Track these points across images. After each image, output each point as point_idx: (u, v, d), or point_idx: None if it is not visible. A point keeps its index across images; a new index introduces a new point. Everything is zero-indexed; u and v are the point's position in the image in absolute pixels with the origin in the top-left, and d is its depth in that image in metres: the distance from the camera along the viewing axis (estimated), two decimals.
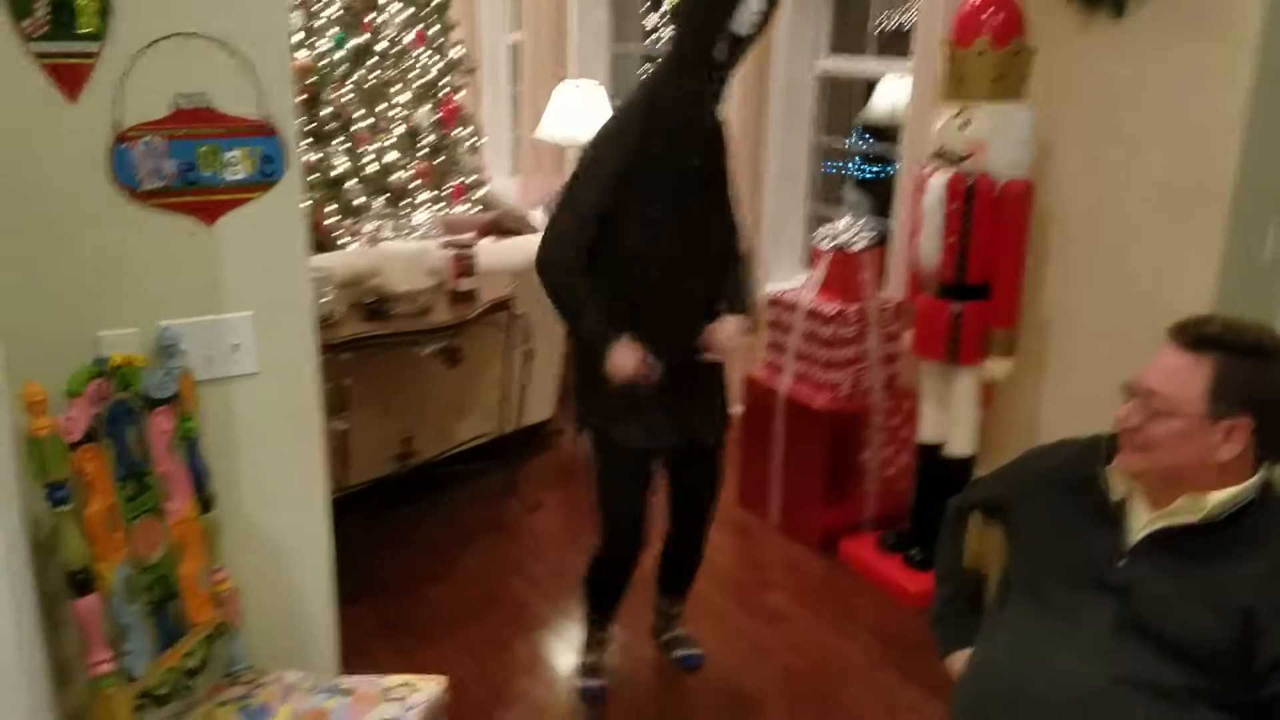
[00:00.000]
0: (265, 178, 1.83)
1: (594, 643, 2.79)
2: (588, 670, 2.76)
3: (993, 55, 2.80)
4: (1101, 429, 1.72)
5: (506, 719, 2.62)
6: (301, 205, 1.88)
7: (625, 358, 2.31)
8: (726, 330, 2.42)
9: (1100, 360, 3.15)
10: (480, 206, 5.83)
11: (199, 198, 1.79)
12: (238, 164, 1.80)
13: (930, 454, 3.23)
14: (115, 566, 1.64)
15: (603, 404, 2.44)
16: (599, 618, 2.75)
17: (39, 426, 1.51)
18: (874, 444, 3.45)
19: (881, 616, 3.08)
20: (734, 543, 3.53)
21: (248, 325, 1.87)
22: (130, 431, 1.72)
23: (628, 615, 2.90)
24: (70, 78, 1.67)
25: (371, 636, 2.89)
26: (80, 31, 1.65)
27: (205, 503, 1.85)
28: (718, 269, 2.46)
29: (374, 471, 3.48)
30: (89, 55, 1.67)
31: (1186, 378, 1.43)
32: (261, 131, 1.81)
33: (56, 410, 1.56)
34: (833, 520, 3.44)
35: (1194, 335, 1.44)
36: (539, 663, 2.85)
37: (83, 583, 1.59)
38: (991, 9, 2.81)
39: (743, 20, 2.19)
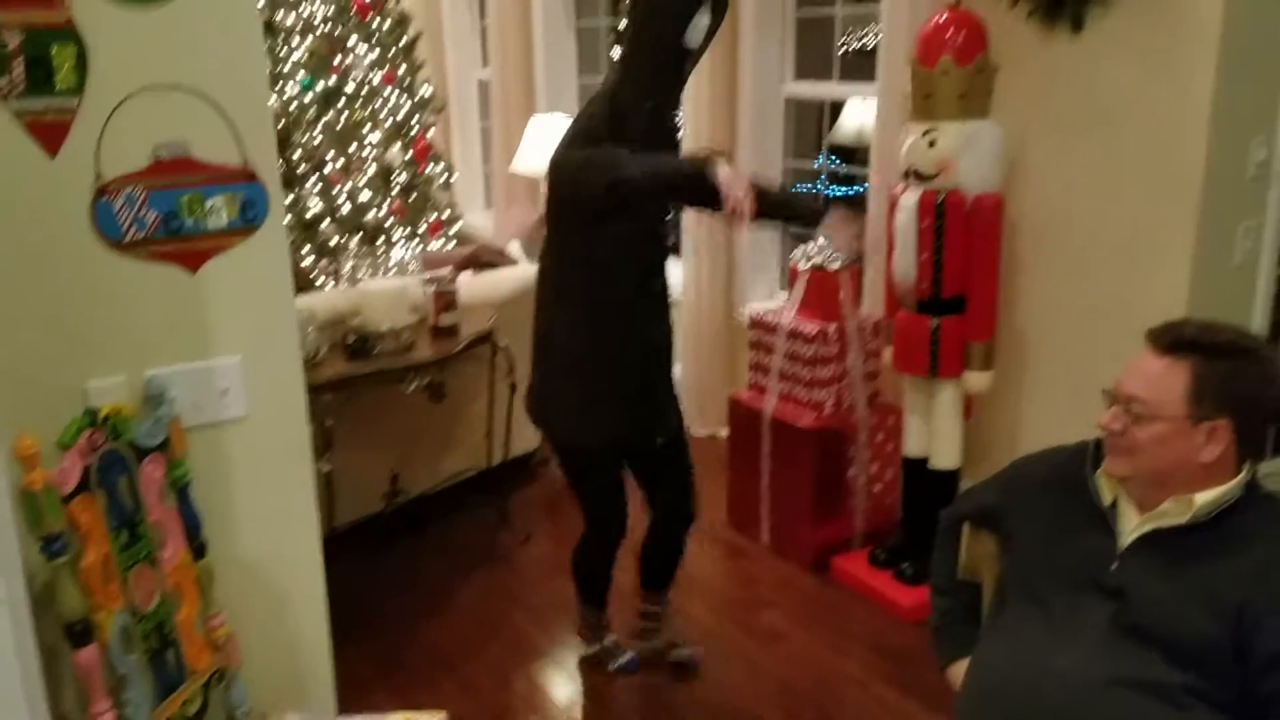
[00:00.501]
0: (248, 223, 1.85)
1: (598, 628, 2.93)
2: (609, 653, 2.92)
3: (957, 74, 2.85)
4: (1083, 436, 1.76)
5: None
6: (285, 248, 1.90)
7: (735, 175, 2.27)
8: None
9: (1078, 368, 3.19)
10: (455, 241, 5.86)
11: (182, 245, 1.80)
12: (220, 210, 1.82)
13: (916, 468, 3.26)
14: (113, 616, 1.64)
15: (564, 401, 2.57)
16: (596, 599, 2.89)
17: (33, 480, 1.51)
18: (860, 460, 3.48)
19: (877, 631, 3.10)
20: (726, 564, 3.54)
21: (236, 369, 1.88)
22: (122, 481, 1.72)
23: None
24: (50, 134, 1.68)
25: (367, 678, 2.88)
26: (58, 88, 1.67)
27: (199, 549, 1.85)
28: (666, 277, 2.61)
29: (362, 511, 3.47)
30: (67, 111, 1.69)
31: (1166, 382, 1.46)
32: (242, 177, 1.83)
33: (46, 462, 1.56)
34: (823, 538, 3.46)
35: (1170, 339, 1.48)
36: (539, 694, 2.85)
37: (81, 634, 1.59)
38: (953, 28, 2.87)
39: (694, 35, 2.33)
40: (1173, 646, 1.41)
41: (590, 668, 2.95)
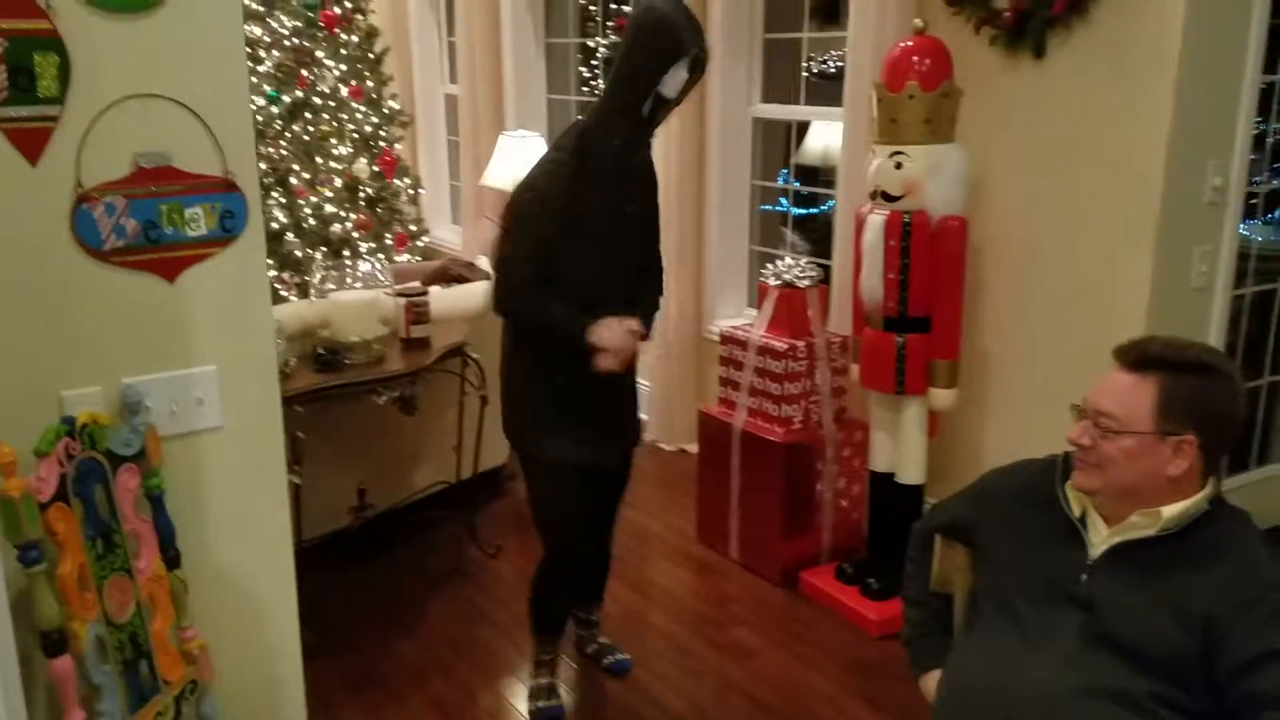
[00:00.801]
0: (227, 233, 1.85)
1: (545, 664, 2.85)
2: (542, 692, 2.82)
3: (923, 98, 2.91)
4: (1045, 452, 1.80)
5: None
6: (263, 258, 1.90)
7: (610, 330, 2.46)
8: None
9: (1039, 387, 3.26)
10: (421, 255, 5.86)
11: (161, 255, 1.80)
12: (199, 220, 1.82)
13: (883, 482, 3.30)
14: (87, 626, 1.63)
15: (534, 421, 2.61)
16: (548, 637, 2.83)
17: (10, 487, 1.50)
18: (828, 475, 3.52)
19: (846, 646, 3.13)
20: (696, 579, 3.56)
21: (212, 379, 1.87)
22: (98, 490, 1.71)
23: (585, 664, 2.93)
24: (31, 142, 1.68)
25: (337, 693, 2.86)
26: (40, 96, 1.67)
27: (173, 559, 1.85)
28: (637, 299, 2.63)
29: (330, 525, 3.45)
30: (49, 119, 1.68)
31: (1135, 397, 1.50)
32: (222, 187, 1.83)
33: (20, 470, 1.55)
34: (792, 553, 3.49)
35: (1137, 355, 1.52)
36: (507, 710, 2.84)
37: (57, 643, 1.58)
38: (919, 54, 2.93)
39: (670, 86, 2.40)
40: (1142, 655, 1.45)
41: (573, 689, 2.94)
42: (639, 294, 2.64)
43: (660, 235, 2.77)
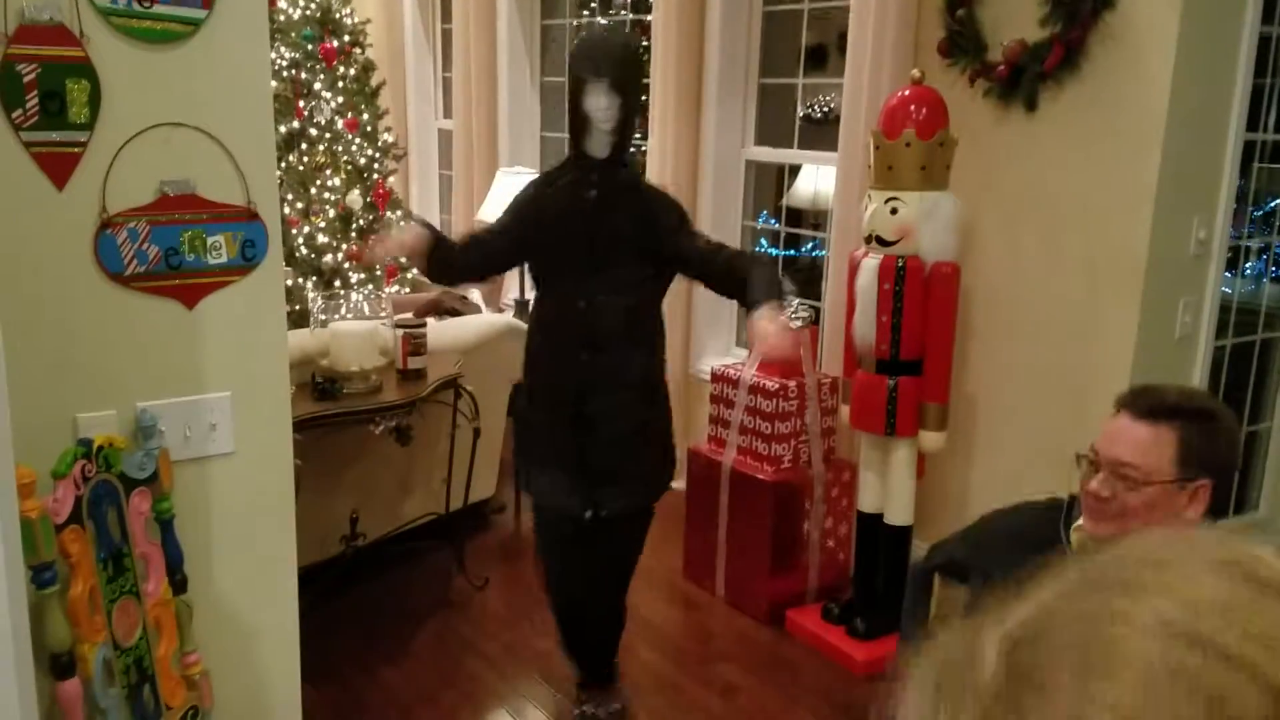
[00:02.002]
0: (247, 261, 1.88)
1: (577, 695, 2.93)
2: (581, 717, 2.89)
3: (919, 146, 2.99)
4: (1028, 495, 1.85)
5: None
6: (281, 288, 1.93)
7: (765, 324, 2.29)
8: (761, 325, 2.32)
9: (1025, 433, 3.32)
10: (409, 288, 5.88)
11: (182, 281, 1.82)
12: (221, 248, 1.85)
13: (870, 523, 3.34)
14: (96, 649, 1.63)
15: (525, 456, 2.67)
16: (571, 664, 2.92)
17: (29, 509, 1.51)
18: (815, 515, 3.55)
19: (831, 686, 3.15)
20: (682, 615, 3.57)
21: (226, 405, 1.89)
22: (110, 513, 1.72)
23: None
24: (58, 166, 1.71)
25: None
26: (70, 121, 1.70)
27: (179, 584, 1.85)
28: (610, 351, 2.51)
29: (321, 553, 3.45)
30: (78, 145, 1.71)
31: (1157, 448, 1.53)
32: (245, 216, 1.86)
33: (35, 491, 1.56)
34: (778, 591, 3.51)
35: (1151, 404, 1.55)
36: None
37: (66, 665, 1.58)
38: (916, 104, 3.01)
39: (593, 113, 2.41)
40: None
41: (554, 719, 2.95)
42: (595, 334, 2.50)
43: (704, 257, 2.53)
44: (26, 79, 1.65)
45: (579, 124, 2.44)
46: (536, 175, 4.91)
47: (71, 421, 1.75)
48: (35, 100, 1.66)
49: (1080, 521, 1.65)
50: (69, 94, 1.68)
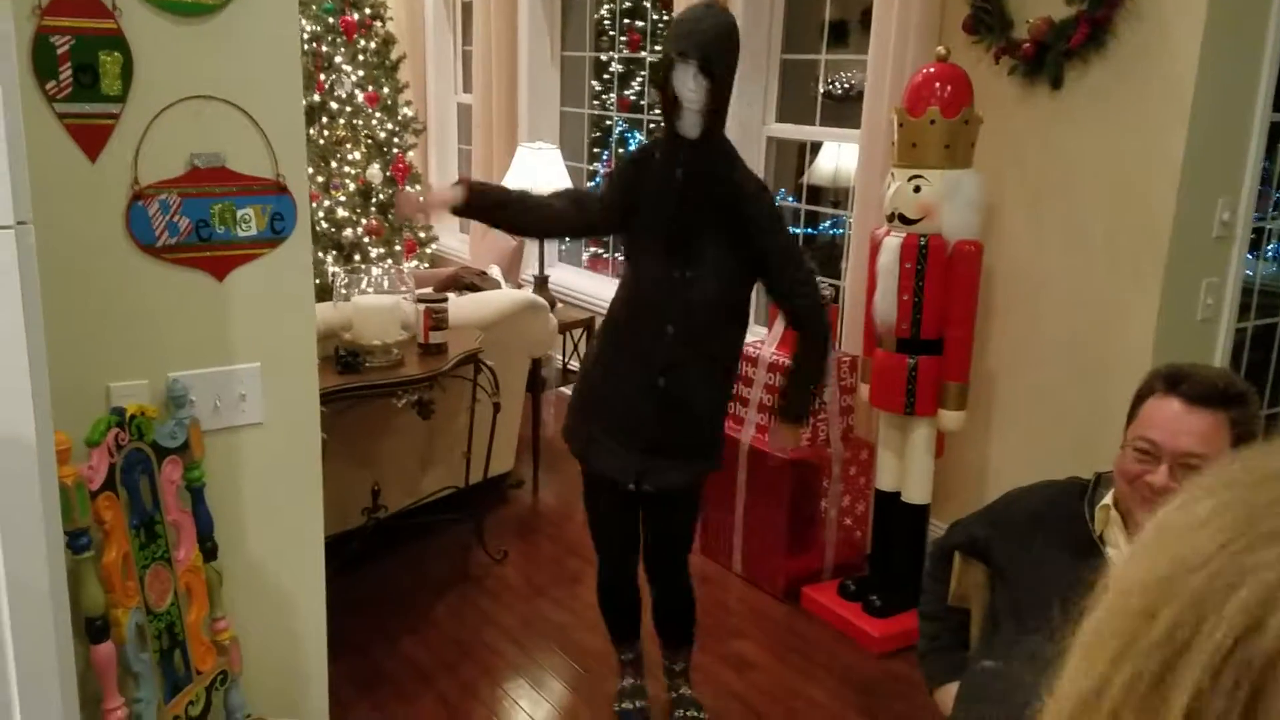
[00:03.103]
0: (275, 234, 1.90)
1: (626, 665, 2.93)
2: (625, 694, 2.90)
3: (943, 124, 2.98)
4: (1048, 473, 1.85)
5: None
6: (309, 260, 1.94)
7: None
8: (780, 439, 2.74)
9: (1043, 413, 3.32)
10: (428, 263, 5.90)
11: (212, 253, 1.84)
12: (250, 221, 1.87)
13: (888, 501, 3.35)
14: (129, 614, 1.66)
15: (577, 425, 2.65)
16: (615, 643, 2.92)
17: (65, 474, 1.54)
18: (833, 493, 3.57)
19: (847, 662, 3.17)
20: (699, 591, 3.56)
21: (255, 376, 1.92)
22: (143, 480, 1.75)
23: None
24: (91, 138, 1.73)
25: (346, 690, 2.89)
26: (103, 94, 1.71)
27: (210, 551, 1.88)
28: (698, 328, 2.50)
29: (342, 525, 3.48)
30: (110, 116, 1.73)
31: (1218, 435, 1.52)
32: (274, 190, 1.88)
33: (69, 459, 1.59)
34: (795, 568, 3.54)
35: (1206, 391, 1.53)
36: (515, 713, 2.88)
37: (100, 630, 1.61)
38: (941, 81, 3.00)
39: (681, 93, 2.38)
40: None
41: (572, 690, 2.99)
42: (704, 333, 2.50)
43: (781, 278, 2.54)
44: (60, 51, 1.66)
45: (669, 103, 2.41)
46: (562, 159, 4.94)
47: (104, 390, 1.78)
48: (69, 72, 1.68)
49: (1107, 501, 1.66)
50: (102, 66, 1.70)
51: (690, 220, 2.47)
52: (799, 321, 2.60)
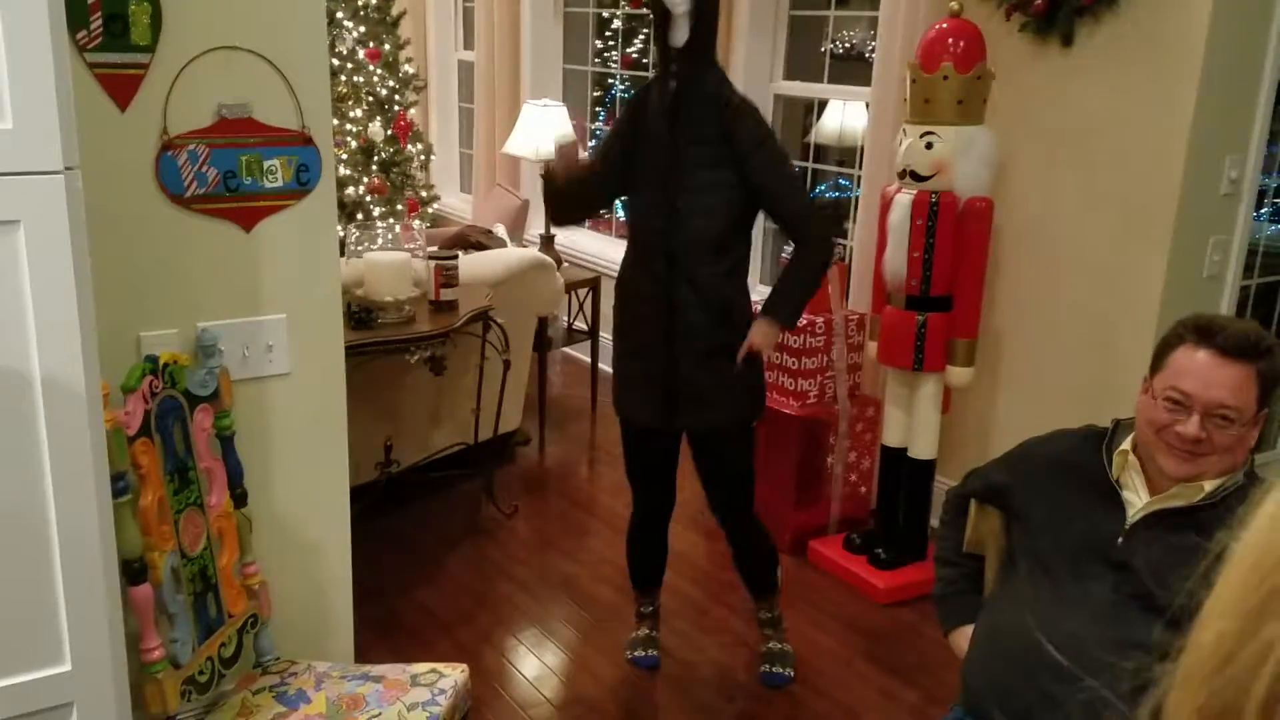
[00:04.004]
0: (301, 186, 1.91)
1: (643, 617, 2.98)
2: (638, 643, 2.95)
3: (957, 80, 2.99)
4: (1053, 427, 1.88)
5: (506, 714, 2.70)
6: (334, 212, 1.96)
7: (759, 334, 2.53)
8: (752, 333, 2.53)
9: (1049, 369, 3.35)
10: (430, 222, 5.90)
11: (239, 204, 1.86)
12: (276, 172, 1.88)
13: (895, 457, 3.40)
14: (165, 557, 1.70)
15: (615, 371, 2.72)
16: (636, 590, 2.97)
17: (104, 420, 1.57)
18: (840, 449, 3.61)
19: (854, 612, 3.23)
20: (709, 544, 3.65)
21: (282, 327, 1.94)
22: (176, 427, 1.78)
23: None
24: (121, 88, 1.74)
25: (366, 637, 2.92)
26: (133, 43, 1.72)
27: (240, 498, 1.92)
28: (688, 262, 2.49)
29: (357, 479, 3.51)
30: (140, 66, 1.74)
31: (1249, 387, 1.55)
32: (299, 141, 1.89)
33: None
34: (802, 522, 3.59)
35: (1237, 343, 1.55)
36: (531, 661, 2.93)
37: (139, 571, 1.65)
38: (954, 37, 3.00)
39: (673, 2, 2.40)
40: (1172, 611, 1.53)
41: (584, 638, 3.04)
42: (680, 248, 2.49)
43: (778, 194, 2.52)
44: (90, 1, 1.67)
45: (660, 16, 2.44)
46: (567, 117, 4.92)
47: (136, 340, 1.81)
48: (99, 21, 1.69)
49: (1125, 446, 1.69)
50: (131, 15, 1.71)
51: (684, 134, 2.46)
52: (793, 230, 2.57)
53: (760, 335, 2.53)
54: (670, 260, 2.50)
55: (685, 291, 2.50)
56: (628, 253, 2.64)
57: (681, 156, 2.46)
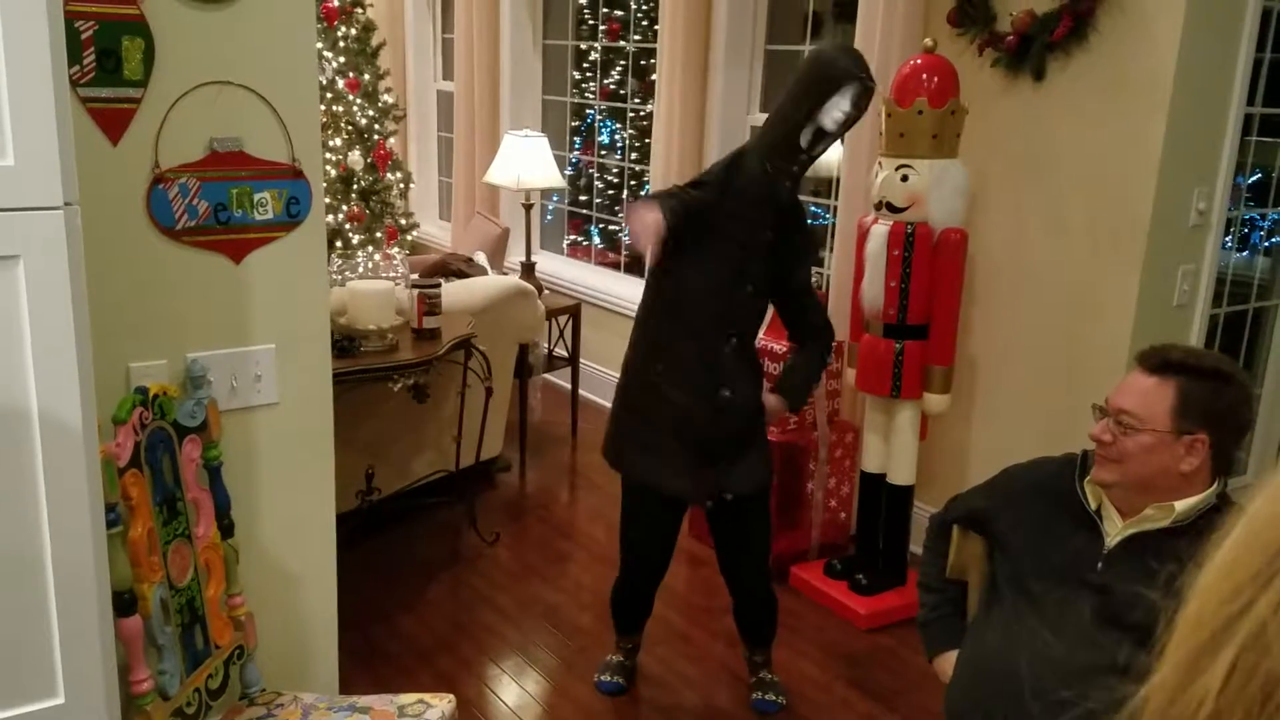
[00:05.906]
0: (291, 218, 1.93)
1: (615, 647, 3.01)
2: (608, 668, 2.98)
3: (931, 115, 3.05)
4: (1028, 455, 1.94)
5: None
6: (324, 244, 1.98)
7: (644, 213, 2.33)
8: (771, 403, 2.71)
9: (1024, 397, 3.41)
10: (409, 250, 5.92)
11: (230, 236, 1.88)
12: (267, 205, 1.90)
13: (874, 482, 3.43)
14: (154, 588, 1.70)
15: (623, 437, 2.68)
16: (619, 635, 2.99)
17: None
18: (819, 475, 3.64)
19: (835, 638, 3.25)
20: (689, 571, 3.67)
21: (270, 357, 1.96)
22: (165, 458, 1.79)
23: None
24: (113, 122, 1.76)
25: (346, 666, 2.92)
26: (125, 78, 1.74)
27: (227, 528, 1.92)
28: (743, 338, 2.61)
29: (337, 507, 3.51)
30: (132, 101, 1.76)
31: (1155, 397, 1.63)
32: (290, 174, 1.92)
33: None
34: (782, 548, 3.60)
35: (1159, 360, 1.66)
36: (513, 689, 2.93)
37: (128, 603, 1.65)
38: (929, 72, 3.07)
39: (830, 117, 2.44)
40: (1152, 635, 1.57)
41: (566, 666, 3.05)
42: (739, 325, 2.59)
43: (809, 291, 2.74)
44: (84, 35, 1.69)
45: (804, 121, 2.43)
46: (548, 148, 4.93)
47: (125, 370, 1.82)
48: (92, 57, 1.71)
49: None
50: (124, 51, 1.73)
51: (766, 239, 2.55)
52: (813, 333, 2.77)
53: (773, 409, 2.73)
54: (736, 337, 2.58)
55: (740, 364, 2.60)
56: (668, 324, 2.57)
57: (757, 254, 2.55)
